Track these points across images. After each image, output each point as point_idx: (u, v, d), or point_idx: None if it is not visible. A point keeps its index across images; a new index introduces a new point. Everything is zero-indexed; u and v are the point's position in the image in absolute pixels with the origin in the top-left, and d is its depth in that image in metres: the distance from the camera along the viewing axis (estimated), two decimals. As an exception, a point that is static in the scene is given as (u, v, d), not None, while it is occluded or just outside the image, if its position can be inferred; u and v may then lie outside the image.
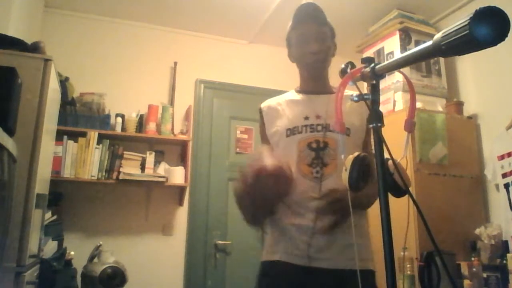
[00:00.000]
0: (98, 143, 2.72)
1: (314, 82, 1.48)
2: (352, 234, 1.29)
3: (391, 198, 0.93)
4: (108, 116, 2.87)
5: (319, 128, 1.37)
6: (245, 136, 3.33)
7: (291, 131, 1.39)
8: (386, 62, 0.93)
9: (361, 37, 3.16)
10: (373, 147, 0.95)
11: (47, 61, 1.74)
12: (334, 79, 1.51)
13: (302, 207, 1.31)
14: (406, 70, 2.59)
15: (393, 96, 2.73)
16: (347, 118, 1.37)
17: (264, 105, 1.53)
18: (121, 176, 2.71)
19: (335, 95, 1.42)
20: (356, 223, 1.32)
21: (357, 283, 1.25)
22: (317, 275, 1.27)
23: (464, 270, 2.23)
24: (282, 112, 1.46)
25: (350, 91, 1.46)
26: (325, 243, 1.28)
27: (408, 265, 2.19)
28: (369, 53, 3.04)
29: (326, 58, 1.45)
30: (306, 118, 1.39)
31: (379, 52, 2.95)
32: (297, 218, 1.31)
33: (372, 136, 0.97)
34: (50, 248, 2.19)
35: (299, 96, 1.49)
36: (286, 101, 1.50)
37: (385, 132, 0.94)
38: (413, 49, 0.82)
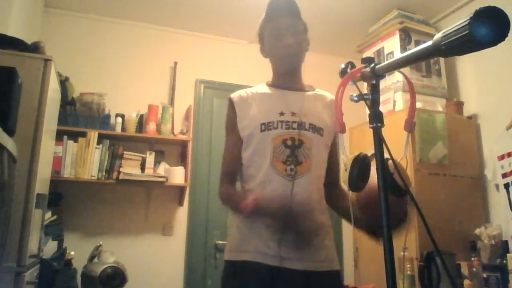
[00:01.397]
0: (98, 143, 2.72)
1: (287, 77, 1.45)
2: (322, 233, 1.31)
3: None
4: (108, 116, 2.87)
5: (295, 125, 1.34)
6: (245, 136, 3.33)
7: (266, 126, 1.35)
8: (386, 62, 0.93)
9: (361, 37, 3.16)
10: (373, 147, 0.95)
11: (47, 61, 1.74)
12: (308, 77, 1.51)
13: (274, 205, 1.28)
14: (406, 70, 2.59)
15: (393, 96, 2.73)
16: (321, 118, 1.38)
17: (234, 95, 1.46)
18: (121, 176, 2.71)
19: (309, 94, 1.44)
20: (325, 224, 1.33)
21: (326, 284, 1.27)
22: (288, 276, 1.24)
23: (464, 270, 2.23)
24: (254, 105, 1.41)
25: (322, 91, 1.48)
26: (296, 243, 1.26)
27: (408, 265, 2.19)
28: (369, 53, 3.04)
29: (300, 52, 1.41)
30: (281, 113, 1.36)
31: (379, 52, 2.95)
32: (268, 217, 1.28)
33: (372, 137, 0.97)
34: (50, 248, 2.19)
35: (271, 90, 1.45)
36: (258, 93, 1.44)
37: (385, 132, 0.94)
38: (413, 49, 0.82)
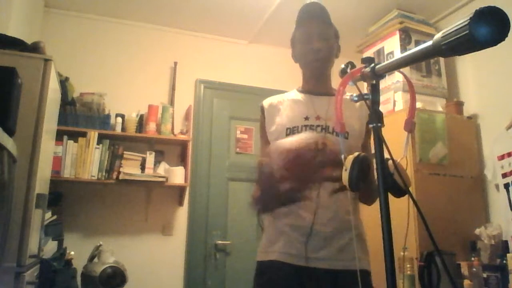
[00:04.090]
0: (98, 143, 2.72)
1: (315, 81, 1.48)
2: (349, 234, 1.30)
3: (391, 198, 0.93)
4: (108, 116, 2.87)
5: (319, 129, 1.37)
6: (245, 136, 3.33)
7: (291, 131, 1.38)
8: (386, 62, 0.93)
9: (361, 37, 3.16)
10: (373, 147, 0.95)
11: (47, 61, 1.74)
12: (336, 81, 1.51)
13: (300, 207, 1.31)
14: (406, 70, 2.58)
15: (393, 96, 2.73)
16: (347, 122, 1.37)
17: (265, 102, 1.53)
18: (121, 176, 2.71)
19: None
20: (354, 225, 1.33)
21: (353, 283, 1.26)
22: (314, 275, 1.27)
23: (464, 270, 2.23)
24: (282, 110, 1.46)
25: (350, 93, 1.47)
26: (322, 243, 1.28)
27: (408, 265, 2.18)
28: (369, 53, 3.04)
29: (328, 58, 1.44)
30: (306, 118, 1.39)
31: (379, 52, 2.95)
32: (294, 219, 1.31)
33: (371, 138, 0.97)
34: (50, 248, 2.19)
35: (300, 96, 1.49)
36: (288, 100, 1.49)
37: (385, 132, 0.94)
38: (413, 49, 0.82)
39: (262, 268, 1.36)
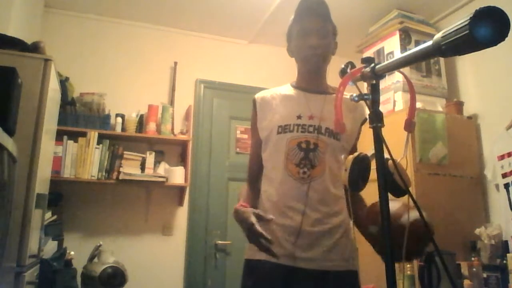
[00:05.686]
0: (98, 143, 2.72)
1: (311, 78, 1.45)
2: (337, 235, 1.31)
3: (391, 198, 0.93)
4: (108, 116, 2.87)
5: (311, 129, 1.35)
6: (245, 136, 3.33)
7: (283, 129, 1.37)
8: (386, 62, 0.93)
9: (361, 37, 3.16)
10: (373, 147, 0.95)
11: (47, 61, 1.74)
12: (333, 79, 1.51)
13: (287, 207, 1.31)
14: (406, 70, 2.58)
15: (393, 96, 2.73)
16: None
17: (258, 96, 1.50)
18: (121, 176, 2.71)
19: (332, 97, 1.41)
20: (341, 226, 1.33)
21: (340, 283, 1.27)
22: (302, 276, 1.26)
23: (464, 270, 2.23)
24: (275, 106, 1.44)
25: (346, 94, 1.46)
26: (310, 243, 1.28)
27: (408, 265, 2.19)
28: (369, 53, 3.04)
29: (325, 54, 1.41)
30: (299, 117, 1.37)
31: (379, 52, 2.95)
32: (282, 218, 1.30)
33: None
34: (50, 248, 2.19)
35: (294, 92, 1.46)
36: (281, 95, 1.46)
37: (385, 132, 0.94)
38: (413, 49, 0.82)
39: (250, 267, 1.36)
